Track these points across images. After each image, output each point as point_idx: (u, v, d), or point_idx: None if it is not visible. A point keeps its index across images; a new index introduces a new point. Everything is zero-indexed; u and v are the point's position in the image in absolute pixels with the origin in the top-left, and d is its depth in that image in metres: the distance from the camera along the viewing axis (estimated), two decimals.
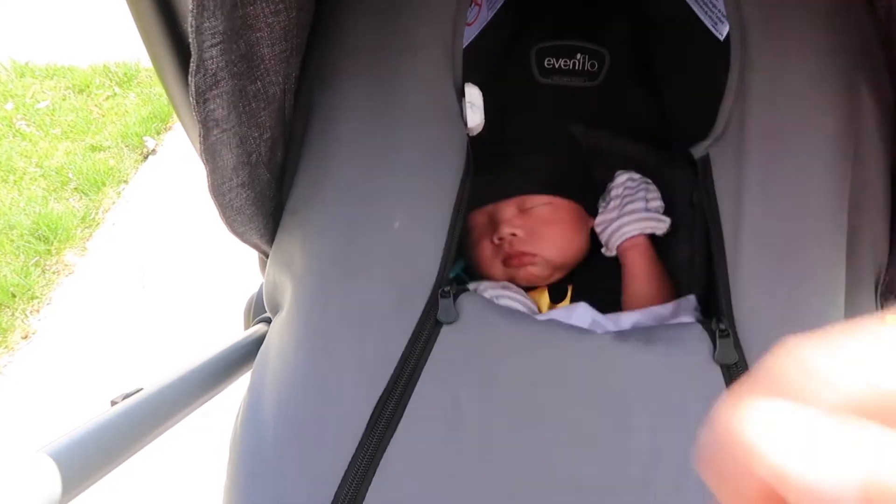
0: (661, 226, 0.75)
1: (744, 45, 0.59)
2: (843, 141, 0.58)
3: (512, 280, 0.76)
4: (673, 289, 0.74)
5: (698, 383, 0.53)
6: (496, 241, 0.76)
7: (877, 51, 0.62)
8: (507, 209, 0.77)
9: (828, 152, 0.58)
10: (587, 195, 0.80)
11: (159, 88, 2.38)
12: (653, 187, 0.78)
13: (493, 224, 0.77)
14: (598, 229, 0.78)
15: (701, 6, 0.68)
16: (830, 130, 0.58)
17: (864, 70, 0.60)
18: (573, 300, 0.72)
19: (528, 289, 0.77)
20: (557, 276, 0.76)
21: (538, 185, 0.78)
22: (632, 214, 0.76)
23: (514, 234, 0.75)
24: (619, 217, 0.76)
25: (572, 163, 0.82)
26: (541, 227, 0.76)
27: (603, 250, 0.78)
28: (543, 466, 0.51)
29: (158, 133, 2.37)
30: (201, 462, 1.36)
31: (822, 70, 0.59)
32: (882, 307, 0.63)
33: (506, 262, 0.75)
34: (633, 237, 0.75)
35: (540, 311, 0.74)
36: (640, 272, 0.74)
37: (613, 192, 0.78)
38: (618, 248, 0.76)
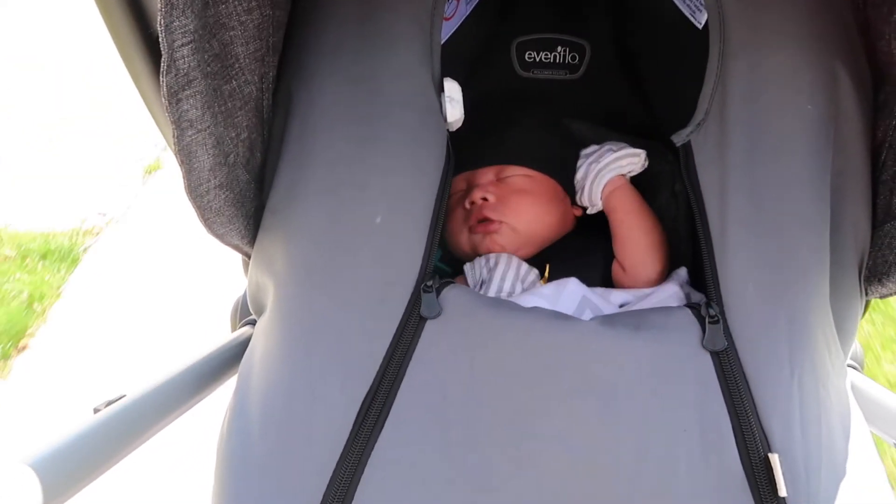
0: (636, 160, 0.75)
1: (722, 32, 0.60)
2: (824, 126, 0.58)
3: (476, 249, 0.75)
4: (662, 229, 0.74)
5: (688, 370, 0.53)
6: (467, 206, 0.76)
7: (855, 36, 0.62)
8: (485, 176, 0.78)
9: (808, 137, 0.58)
10: (569, 179, 0.80)
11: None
12: (619, 144, 0.78)
13: (468, 190, 0.77)
14: (577, 191, 0.78)
15: None
16: (810, 115, 0.58)
17: (843, 55, 0.60)
18: (551, 278, 0.71)
19: None
20: (524, 251, 0.75)
21: (518, 156, 0.79)
22: (605, 160, 0.76)
23: (484, 199, 0.75)
24: (593, 171, 0.76)
25: (559, 145, 0.83)
26: (512, 196, 0.76)
27: (588, 210, 0.78)
28: (533, 458, 0.51)
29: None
30: (190, 465, 1.35)
31: (800, 56, 0.59)
32: (865, 291, 0.64)
33: (473, 227, 0.75)
34: (612, 180, 0.75)
35: None
36: (628, 210, 0.74)
37: (581, 160, 0.79)
38: (601, 197, 0.76)
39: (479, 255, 0.74)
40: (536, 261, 0.74)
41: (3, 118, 2.32)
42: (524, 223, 0.75)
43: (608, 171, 0.76)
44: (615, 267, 0.73)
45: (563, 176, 0.79)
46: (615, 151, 0.77)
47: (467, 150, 0.72)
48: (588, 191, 0.77)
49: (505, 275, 0.69)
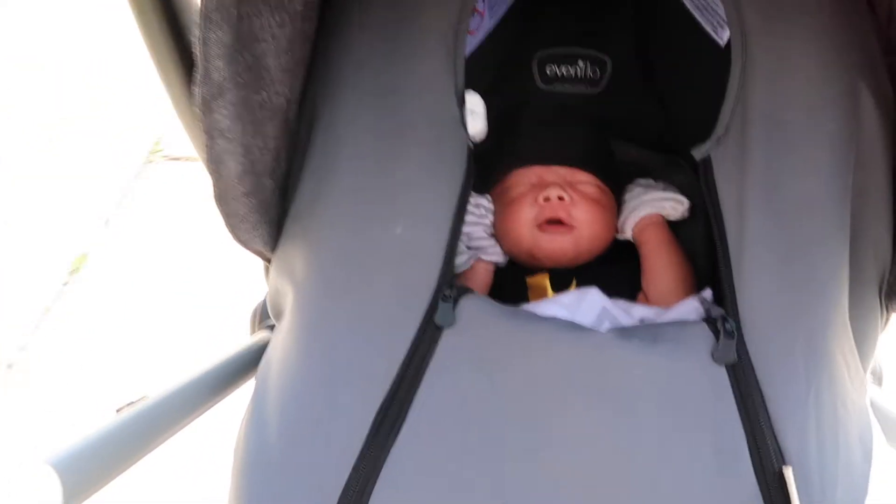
0: (679, 207, 0.76)
1: (744, 48, 0.60)
2: (845, 143, 0.58)
3: (534, 248, 0.75)
4: (691, 268, 0.74)
5: (703, 384, 0.53)
6: (541, 201, 0.75)
7: (877, 54, 0.62)
8: (558, 174, 0.78)
9: (829, 154, 0.58)
10: (618, 193, 0.81)
11: None
12: (671, 187, 0.79)
13: (540, 186, 0.77)
14: (619, 220, 0.79)
15: (701, 11, 0.69)
16: (832, 132, 0.58)
17: (865, 73, 0.60)
18: None
19: (530, 273, 0.76)
20: (576, 261, 0.76)
21: (587, 162, 0.79)
22: (649, 195, 0.77)
23: (561, 199, 0.75)
24: (635, 200, 0.78)
25: (610, 156, 0.84)
26: (587, 205, 0.76)
27: (618, 235, 0.78)
28: (549, 469, 0.51)
29: None
30: (207, 468, 1.36)
31: (822, 73, 0.59)
32: (886, 309, 0.63)
33: (542, 225, 0.75)
34: (648, 215, 0.76)
35: (542, 295, 0.74)
36: (659, 244, 0.75)
37: (632, 190, 0.80)
38: (634, 227, 0.76)
39: (535, 255, 0.75)
40: (564, 276, 0.74)
41: (3, 118, 2.35)
42: (592, 236, 0.76)
43: (648, 206, 0.77)
44: (640, 296, 0.74)
45: (617, 192, 0.81)
46: (661, 191, 0.78)
47: (528, 140, 0.71)
48: (621, 222, 0.78)
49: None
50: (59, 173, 2.21)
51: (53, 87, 2.50)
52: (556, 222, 0.74)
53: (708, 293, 0.64)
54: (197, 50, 0.47)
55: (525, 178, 0.79)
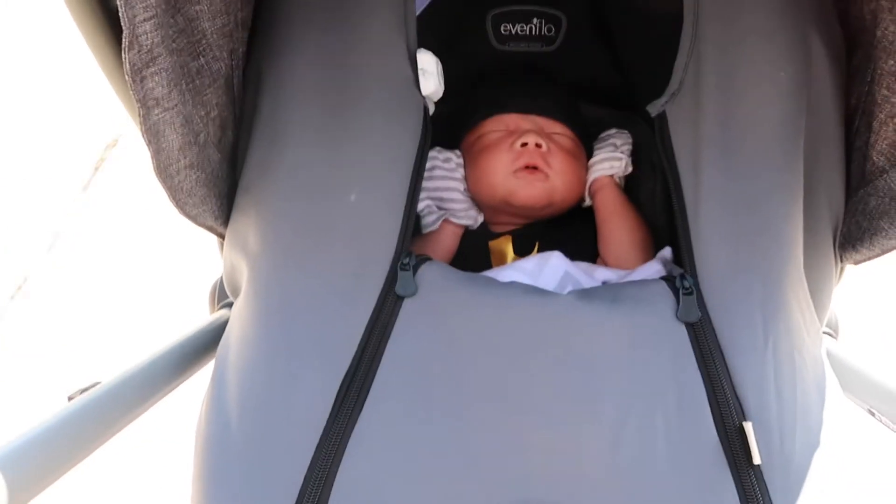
0: (619, 163, 0.76)
1: (696, 2, 0.59)
2: (797, 93, 0.58)
3: (509, 195, 0.74)
4: (648, 228, 0.75)
5: (663, 342, 0.53)
6: (518, 147, 0.74)
7: (829, 3, 0.62)
8: (533, 123, 0.77)
9: (782, 105, 0.58)
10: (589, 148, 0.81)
11: None
12: (624, 133, 0.79)
13: (517, 132, 0.76)
14: None
15: None
16: (784, 83, 0.58)
17: (816, 23, 0.60)
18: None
19: (493, 237, 0.76)
20: (548, 211, 0.76)
21: (561, 115, 0.79)
22: (598, 157, 0.77)
23: (539, 146, 0.74)
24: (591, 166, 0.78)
25: (579, 112, 0.84)
26: (563, 155, 0.76)
27: (582, 204, 0.78)
28: (513, 434, 0.51)
29: None
30: (169, 451, 1.34)
31: (773, 24, 0.59)
32: (840, 259, 0.64)
33: (518, 172, 0.74)
34: (597, 180, 0.76)
35: (503, 261, 0.74)
36: (611, 211, 0.75)
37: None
38: (589, 193, 0.77)
39: (510, 202, 0.74)
40: (527, 240, 0.74)
41: None
42: (566, 186, 0.76)
43: (591, 172, 0.77)
44: (598, 261, 0.74)
45: (588, 147, 0.80)
46: (613, 147, 0.78)
47: (500, 90, 0.70)
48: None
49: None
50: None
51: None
52: (532, 169, 0.74)
53: (667, 251, 0.65)
54: (121, 12, 0.43)
55: (501, 124, 0.78)
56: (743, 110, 0.58)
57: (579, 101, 0.86)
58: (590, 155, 0.80)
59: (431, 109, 0.66)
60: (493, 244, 0.76)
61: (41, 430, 0.49)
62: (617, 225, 0.74)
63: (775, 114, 0.58)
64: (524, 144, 0.74)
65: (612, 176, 0.77)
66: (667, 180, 0.60)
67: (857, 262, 0.65)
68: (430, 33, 0.65)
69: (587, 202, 0.78)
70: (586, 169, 0.79)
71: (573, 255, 0.67)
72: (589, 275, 0.65)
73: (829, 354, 0.63)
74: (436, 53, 0.66)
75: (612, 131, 0.81)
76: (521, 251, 0.74)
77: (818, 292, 0.61)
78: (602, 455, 0.50)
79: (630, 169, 0.78)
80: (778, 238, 0.56)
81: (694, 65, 0.59)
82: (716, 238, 0.56)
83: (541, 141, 0.74)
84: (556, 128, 0.78)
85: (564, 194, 0.76)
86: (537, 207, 0.75)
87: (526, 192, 0.74)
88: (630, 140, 0.80)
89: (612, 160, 0.77)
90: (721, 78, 0.59)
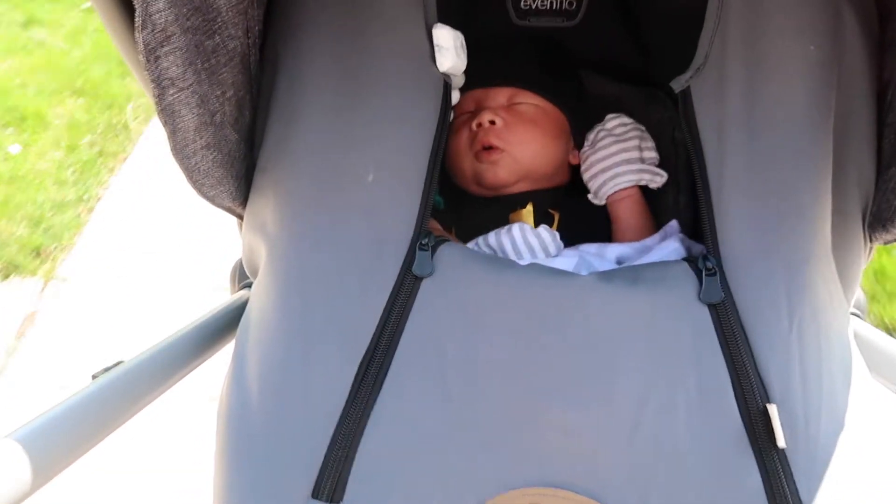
0: (658, 179, 0.74)
1: None
2: (826, 67, 0.56)
3: (477, 178, 0.74)
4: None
5: (685, 323, 0.52)
6: (474, 128, 0.74)
7: None
8: (496, 98, 0.76)
9: (811, 78, 0.56)
10: (576, 115, 0.79)
11: None
12: (647, 136, 0.76)
13: (477, 112, 0.75)
14: (585, 172, 0.76)
15: None
16: (812, 56, 0.56)
17: None
18: (559, 229, 0.69)
19: (513, 210, 0.74)
20: (523, 185, 0.75)
21: (532, 82, 0.77)
22: (628, 164, 0.73)
23: (492, 122, 0.74)
24: (613, 166, 0.74)
25: (569, 77, 0.82)
26: (520, 125, 0.75)
27: (590, 197, 0.76)
28: (531, 413, 0.50)
29: None
30: (192, 430, 1.37)
31: None
32: (870, 238, 0.62)
33: (478, 154, 0.74)
34: (626, 188, 0.73)
35: None
36: (632, 224, 0.73)
37: (602, 133, 0.76)
38: (609, 197, 0.74)
39: (481, 185, 0.74)
40: (546, 214, 0.73)
41: None
42: (527, 156, 0.74)
43: (624, 179, 0.73)
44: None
45: (572, 114, 0.78)
46: (638, 151, 0.74)
47: (480, 63, 0.69)
48: (596, 186, 0.75)
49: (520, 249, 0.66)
50: None
51: None
52: (488, 149, 0.73)
53: (674, 224, 0.63)
54: None
55: (465, 104, 0.77)
56: (770, 85, 0.56)
57: (598, 76, 0.84)
58: (585, 124, 0.78)
59: (458, 84, 0.65)
60: (513, 216, 0.75)
61: (64, 407, 0.50)
62: (634, 229, 0.73)
63: (804, 89, 0.56)
64: (479, 125, 0.73)
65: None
66: (689, 157, 0.58)
67: (887, 242, 0.63)
68: (447, 8, 0.64)
69: (597, 200, 0.75)
70: (562, 135, 0.77)
71: (593, 228, 0.65)
72: (600, 256, 0.64)
73: (856, 335, 0.61)
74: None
75: (622, 121, 0.77)
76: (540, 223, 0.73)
77: (846, 272, 0.59)
78: (621, 436, 0.50)
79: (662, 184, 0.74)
80: (804, 217, 0.55)
81: (720, 38, 0.57)
82: (740, 217, 0.55)
83: (494, 117, 0.73)
84: (522, 97, 0.76)
85: (532, 163, 0.74)
86: (510, 184, 0.74)
87: (490, 174, 0.74)
88: (652, 143, 0.75)
89: (648, 173, 0.73)
90: (748, 51, 0.57)
